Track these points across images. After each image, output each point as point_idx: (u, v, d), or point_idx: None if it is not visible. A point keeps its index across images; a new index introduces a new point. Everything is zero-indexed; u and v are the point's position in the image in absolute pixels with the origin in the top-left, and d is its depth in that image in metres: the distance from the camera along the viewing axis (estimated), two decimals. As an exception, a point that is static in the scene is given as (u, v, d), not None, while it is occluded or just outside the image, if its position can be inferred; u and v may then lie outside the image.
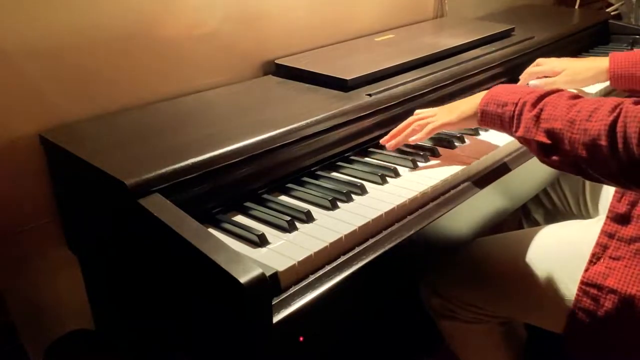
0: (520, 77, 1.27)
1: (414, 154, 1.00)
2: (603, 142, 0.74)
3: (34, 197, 0.99)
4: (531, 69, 1.26)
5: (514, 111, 0.87)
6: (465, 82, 1.25)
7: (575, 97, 0.83)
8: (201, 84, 1.15)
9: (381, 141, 1.02)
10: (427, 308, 1.17)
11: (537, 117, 0.83)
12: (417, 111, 1.03)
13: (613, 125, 0.73)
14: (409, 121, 1.01)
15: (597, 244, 0.93)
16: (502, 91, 0.91)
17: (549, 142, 0.81)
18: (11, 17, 0.90)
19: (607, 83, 1.21)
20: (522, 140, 0.87)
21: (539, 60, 1.27)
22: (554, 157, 0.82)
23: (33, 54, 0.94)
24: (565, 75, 1.21)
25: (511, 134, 0.89)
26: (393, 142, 0.99)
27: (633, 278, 0.87)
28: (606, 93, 1.29)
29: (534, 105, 0.84)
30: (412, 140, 0.98)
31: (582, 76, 1.21)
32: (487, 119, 0.92)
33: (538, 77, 1.26)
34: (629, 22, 2.07)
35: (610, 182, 0.79)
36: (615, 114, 0.74)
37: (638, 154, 0.71)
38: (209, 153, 0.83)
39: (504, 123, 0.89)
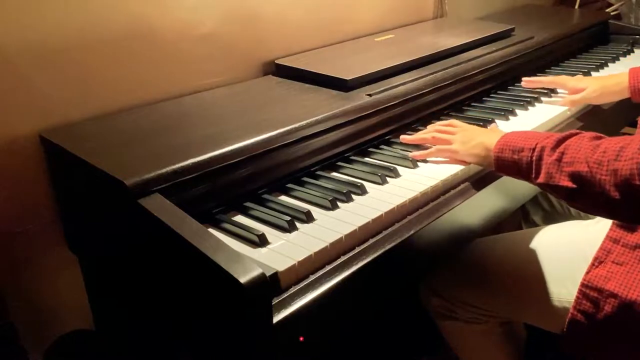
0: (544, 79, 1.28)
1: (414, 154, 1.00)
2: (637, 182, 0.70)
3: (34, 197, 0.99)
4: (557, 79, 1.27)
5: (531, 157, 0.84)
6: (466, 82, 1.25)
7: (598, 137, 0.80)
8: (201, 84, 1.15)
9: (401, 137, 1.05)
10: (427, 308, 1.17)
11: (559, 161, 0.79)
12: (450, 121, 1.04)
13: None
14: (432, 128, 1.04)
15: (601, 248, 0.92)
16: (516, 137, 0.88)
17: (574, 186, 0.78)
18: (11, 16, 0.90)
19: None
20: (545, 186, 0.83)
21: (556, 79, 1.28)
22: (583, 201, 0.78)
23: (33, 54, 0.93)
24: (593, 92, 1.22)
25: (530, 180, 0.86)
26: (409, 137, 1.04)
27: (635, 283, 0.87)
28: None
29: (554, 149, 0.81)
30: (412, 155, 0.99)
31: (610, 90, 1.22)
32: (503, 165, 0.89)
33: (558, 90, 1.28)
34: (629, 22, 2.07)
35: None
36: None
37: None
38: (209, 153, 0.83)
39: (521, 170, 0.86)
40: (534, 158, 0.83)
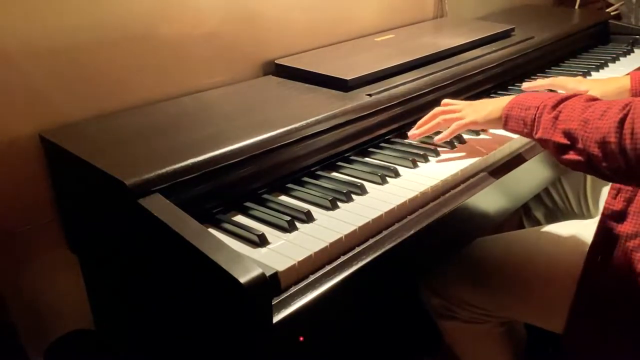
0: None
1: (414, 153, 1.00)
2: (612, 139, 0.75)
3: (34, 197, 0.99)
4: (555, 80, 1.25)
5: (535, 114, 0.89)
6: (465, 82, 1.25)
7: (593, 99, 0.84)
8: (201, 84, 1.15)
9: (409, 134, 1.03)
10: (427, 308, 1.17)
11: (555, 119, 0.85)
12: (444, 101, 1.05)
13: (621, 123, 0.74)
14: (435, 112, 1.02)
15: (594, 242, 0.93)
16: (526, 96, 0.93)
17: (566, 142, 0.83)
18: (11, 16, 0.90)
19: None
20: (541, 141, 0.88)
21: (555, 81, 1.26)
22: (570, 157, 0.83)
23: (33, 54, 0.94)
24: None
25: (532, 136, 0.90)
26: (417, 132, 1.02)
27: (630, 275, 0.87)
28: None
29: (554, 107, 0.86)
30: (437, 139, 1.00)
31: (611, 95, 1.19)
32: (512, 122, 0.93)
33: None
34: (629, 22, 2.07)
35: (623, 180, 0.80)
36: (624, 111, 0.75)
37: None
38: (209, 153, 0.83)
39: (526, 126, 0.90)
40: (536, 115, 0.89)
